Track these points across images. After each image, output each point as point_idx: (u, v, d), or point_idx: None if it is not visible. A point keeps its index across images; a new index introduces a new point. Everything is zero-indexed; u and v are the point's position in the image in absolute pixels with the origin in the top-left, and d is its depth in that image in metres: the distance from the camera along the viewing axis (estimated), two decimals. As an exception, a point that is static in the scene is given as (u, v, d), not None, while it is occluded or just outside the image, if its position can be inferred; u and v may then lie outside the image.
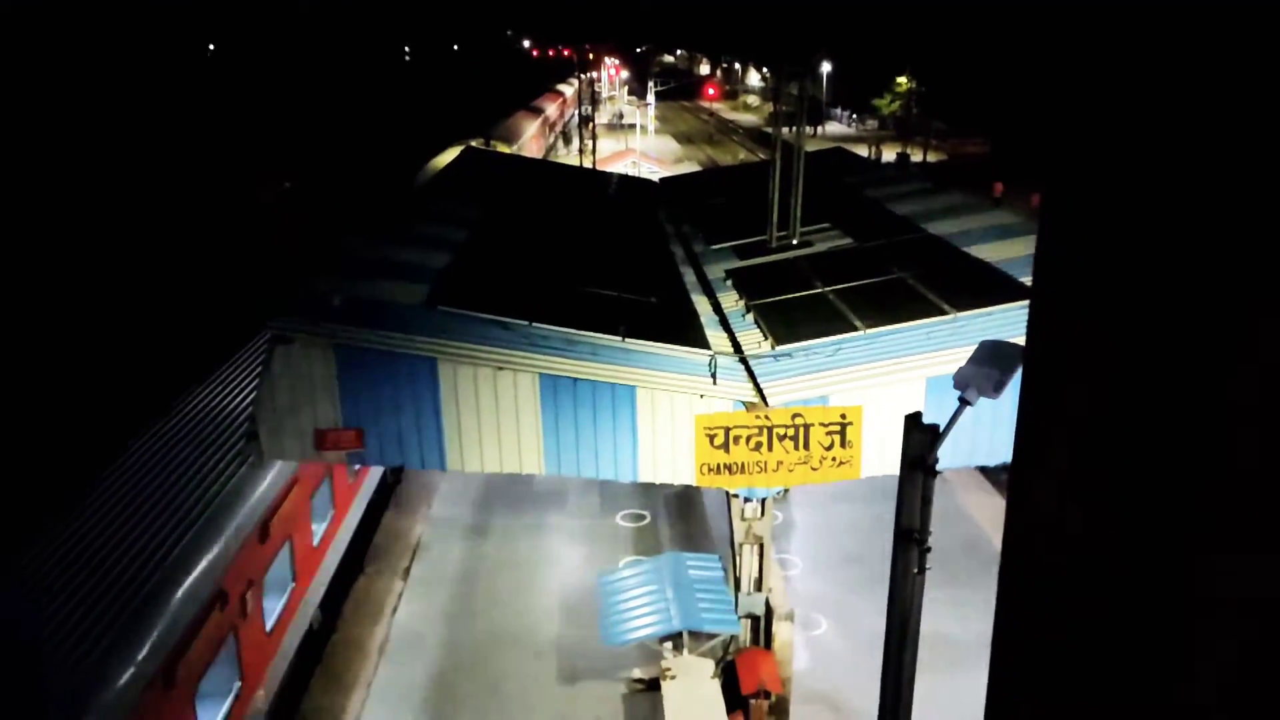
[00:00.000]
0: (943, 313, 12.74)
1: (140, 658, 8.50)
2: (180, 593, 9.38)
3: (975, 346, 7.01)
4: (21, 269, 29.26)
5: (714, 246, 18.45)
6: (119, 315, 24.10)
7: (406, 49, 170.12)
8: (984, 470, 18.50)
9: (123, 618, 8.73)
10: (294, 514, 12.28)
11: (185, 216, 37.64)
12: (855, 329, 12.67)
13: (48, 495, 10.83)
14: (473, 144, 36.30)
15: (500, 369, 11.27)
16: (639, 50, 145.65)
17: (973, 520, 17.02)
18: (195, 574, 9.71)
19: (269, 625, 11.48)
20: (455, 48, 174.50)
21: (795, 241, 17.69)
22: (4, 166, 47.26)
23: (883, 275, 14.75)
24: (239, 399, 13.26)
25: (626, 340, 12.20)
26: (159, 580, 9.34)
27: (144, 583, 9.25)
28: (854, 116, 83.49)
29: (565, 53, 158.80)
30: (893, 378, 11.46)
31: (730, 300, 15.19)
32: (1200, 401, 1.98)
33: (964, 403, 6.50)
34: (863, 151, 50.13)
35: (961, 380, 6.49)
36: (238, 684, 10.49)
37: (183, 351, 17.89)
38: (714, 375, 11.61)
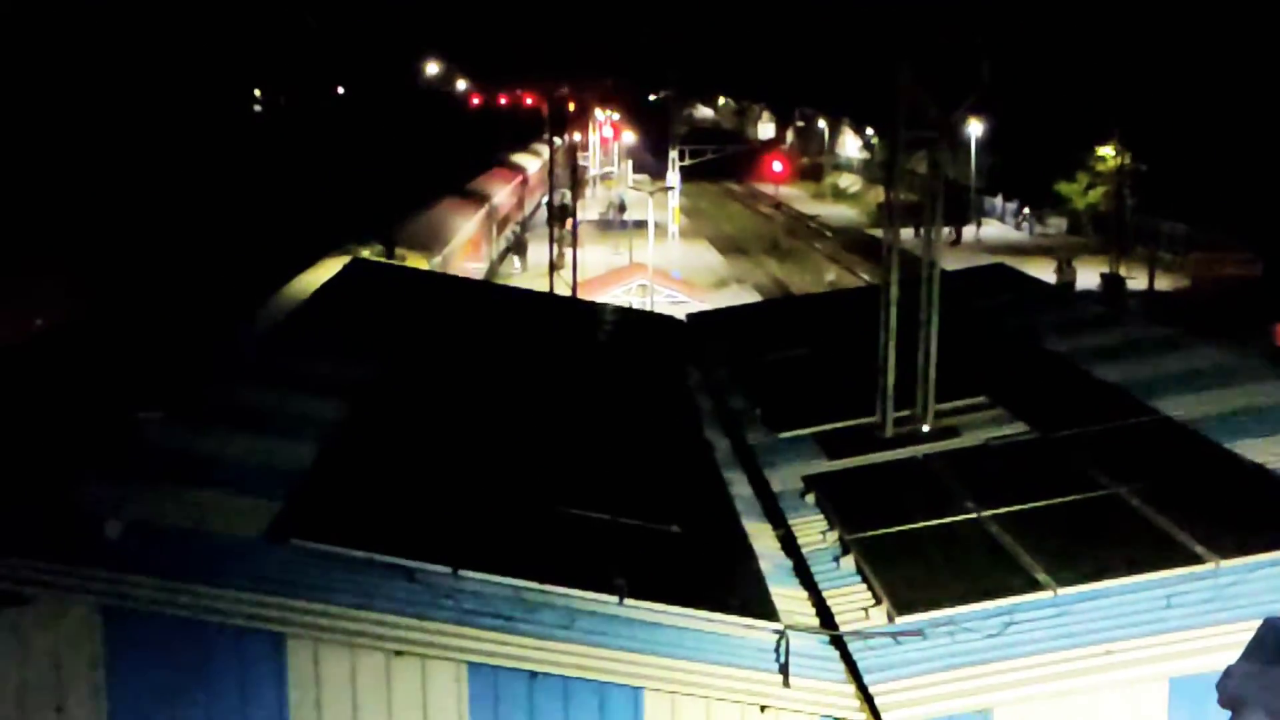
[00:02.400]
0: (1195, 561, 12.73)
1: None
2: None
3: (1255, 627, 6.95)
4: None
5: (784, 434, 18.68)
6: None
7: (257, 93, 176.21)
8: None
9: None
10: None
11: None
12: (1038, 587, 12.68)
13: None
14: (365, 253, 37.49)
15: (399, 653, 11.29)
16: (654, 97, 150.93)
17: None
18: None
19: None
20: (340, 91, 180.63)
21: (927, 428, 17.90)
22: None
23: (1084, 490, 14.85)
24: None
25: (626, 603, 12.25)
26: None
27: None
28: (1026, 212, 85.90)
29: (527, 100, 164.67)
30: (1109, 678, 11.35)
31: (813, 531, 15.26)
32: None
33: (1240, 732, 6.42)
34: (1044, 272, 51.17)
35: (1234, 690, 6.46)
36: None
37: None
38: (785, 669, 11.56)
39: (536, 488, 15.20)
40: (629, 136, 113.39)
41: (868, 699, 11.35)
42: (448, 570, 12.21)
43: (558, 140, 65.02)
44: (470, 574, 12.22)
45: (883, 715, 11.12)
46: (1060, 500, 14.68)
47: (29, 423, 30.74)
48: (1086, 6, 68.02)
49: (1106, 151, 72.02)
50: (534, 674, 11.31)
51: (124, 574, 11.24)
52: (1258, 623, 6.93)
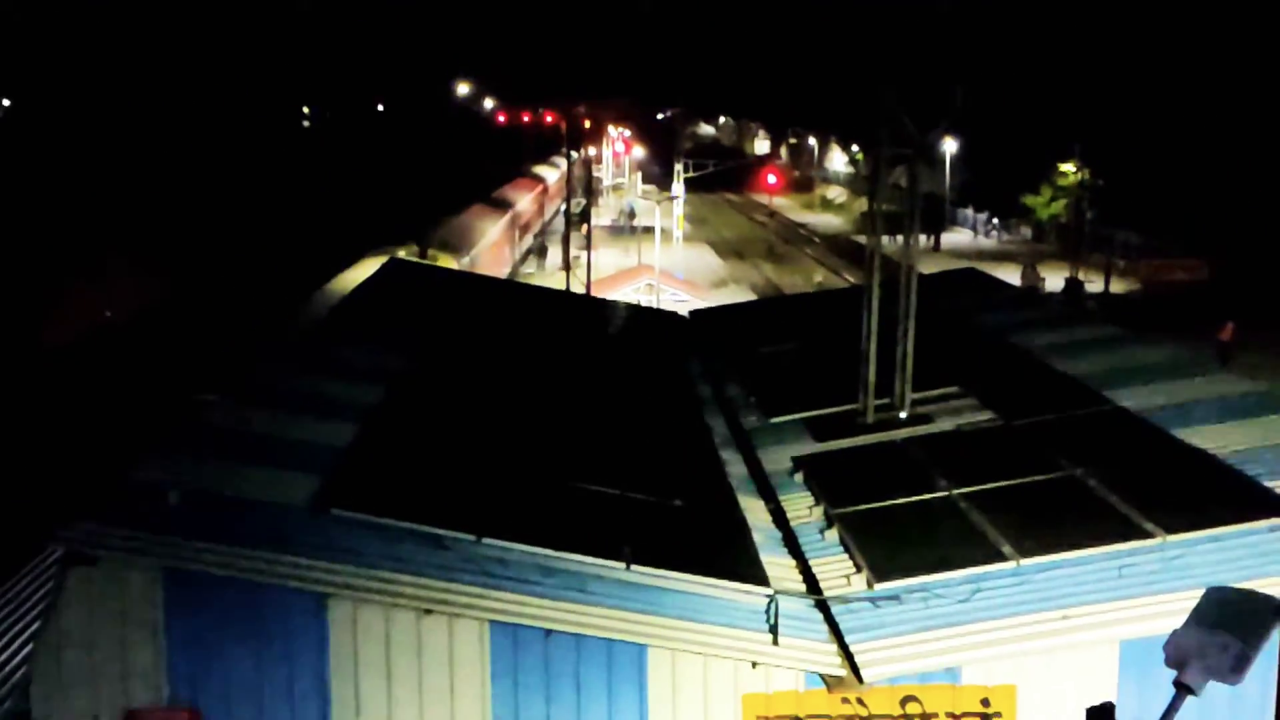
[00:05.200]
0: (1144, 535, 12.68)
1: None
2: None
3: (1198, 594, 6.93)
4: None
5: (775, 420, 18.66)
6: None
7: (306, 110, 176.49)
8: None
9: None
10: None
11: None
12: (1002, 558, 12.66)
13: None
14: (401, 254, 37.39)
15: (428, 612, 11.32)
16: (661, 116, 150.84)
17: None
18: None
19: None
20: (380, 109, 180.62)
21: (904, 415, 17.88)
22: None
23: (1045, 472, 14.82)
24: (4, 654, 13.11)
25: (633, 568, 12.24)
26: None
27: None
28: (994, 222, 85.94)
29: (548, 118, 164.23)
30: (1065, 640, 11.37)
31: (801, 506, 15.27)
32: None
33: (1183, 689, 6.40)
34: (1010, 276, 50.88)
35: (1178, 652, 6.42)
36: None
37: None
38: (774, 629, 11.57)
39: (553, 465, 15.19)
40: (639, 151, 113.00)
41: (849, 657, 11.35)
42: (473, 538, 12.20)
43: (575, 154, 64.95)
44: (493, 541, 12.21)
45: (862, 672, 11.13)
46: (1023, 480, 14.64)
47: (101, 404, 30.90)
48: (1050, 40, 68.11)
49: (1068, 167, 71.92)
50: (549, 631, 11.33)
51: (183, 539, 11.30)
52: (1201, 592, 6.89)
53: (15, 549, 15.64)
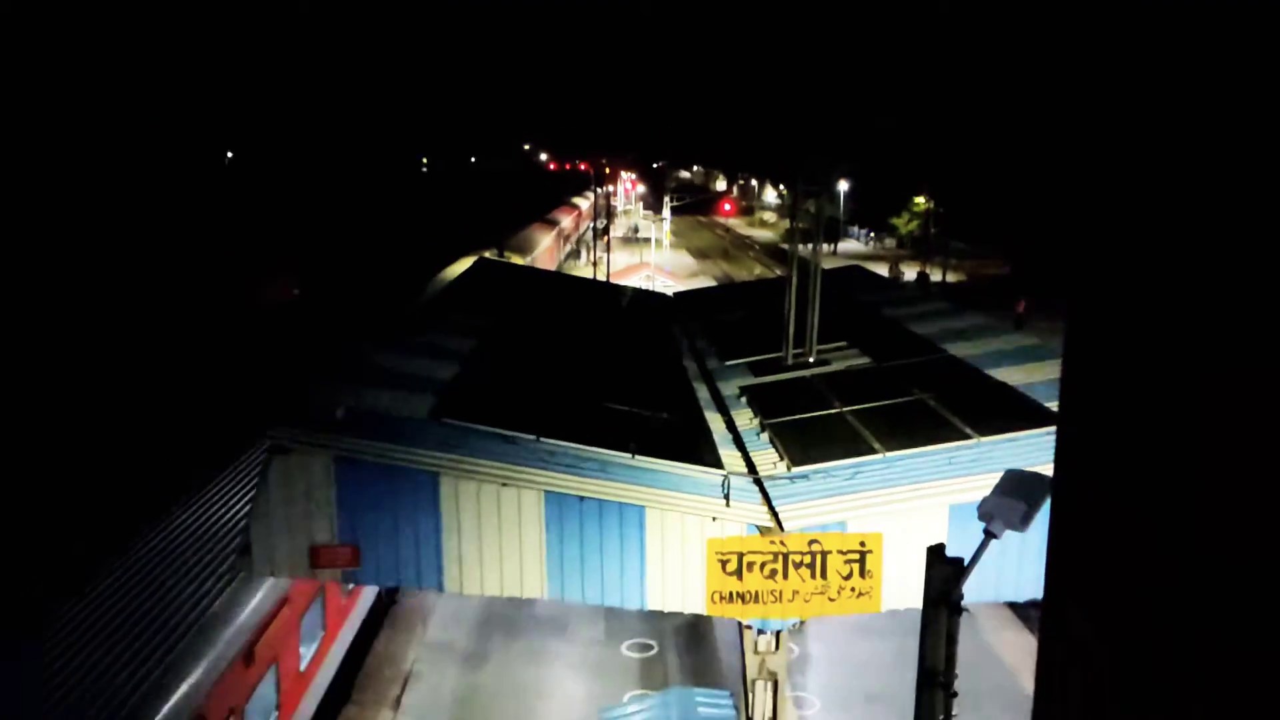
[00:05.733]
0: (965, 437, 12.71)
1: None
2: (158, 718, 9.22)
3: (1000, 474, 7.03)
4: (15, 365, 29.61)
5: (728, 363, 18.60)
6: (110, 419, 24.16)
7: (424, 160, 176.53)
8: (1013, 606, 18.05)
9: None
10: (282, 635, 12.10)
11: (186, 317, 38.22)
12: (874, 451, 12.65)
13: (23, 609, 10.74)
14: (486, 254, 36.96)
15: (504, 485, 11.26)
16: (655, 165, 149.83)
17: (1001, 661, 16.56)
18: (175, 698, 9.55)
19: (248, 756, 11.16)
20: (472, 160, 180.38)
21: (812, 360, 17.84)
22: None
23: (902, 396, 14.79)
24: (232, 511, 13.25)
25: (636, 458, 12.19)
26: (135, 704, 9.20)
27: (120, 706, 9.10)
28: (872, 235, 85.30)
29: (582, 166, 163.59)
30: (913, 504, 11.40)
31: (745, 418, 15.22)
32: (1248, 524, 1.86)
33: (989, 535, 6.51)
34: (881, 270, 50.79)
35: (986, 512, 6.53)
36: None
37: (175, 459, 17.90)
38: (727, 496, 11.55)
39: (585, 390, 15.08)
40: (641, 188, 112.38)
41: (774, 514, 11.39)
42: (534, 437, 12.20)
43: (599, 189, 64.28)
44: (547, 440, 12.20)
45: (783, 524, 11.16)
46: (888, 402, 14.60)
47: (288, 351, 30.86)
48: (908, 123, 67.80)
49: (920, 199, 71.62)
50: (583, 498, 11.29)
51: (347, 437, 11.32)
52: (1001, 473, 6.99)
53: (235, 441, 15.78)
